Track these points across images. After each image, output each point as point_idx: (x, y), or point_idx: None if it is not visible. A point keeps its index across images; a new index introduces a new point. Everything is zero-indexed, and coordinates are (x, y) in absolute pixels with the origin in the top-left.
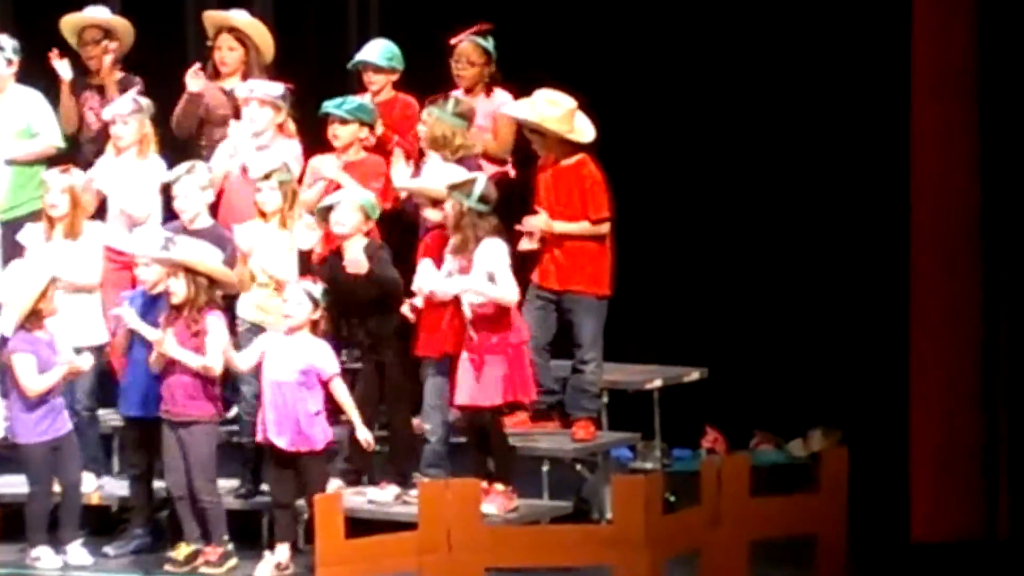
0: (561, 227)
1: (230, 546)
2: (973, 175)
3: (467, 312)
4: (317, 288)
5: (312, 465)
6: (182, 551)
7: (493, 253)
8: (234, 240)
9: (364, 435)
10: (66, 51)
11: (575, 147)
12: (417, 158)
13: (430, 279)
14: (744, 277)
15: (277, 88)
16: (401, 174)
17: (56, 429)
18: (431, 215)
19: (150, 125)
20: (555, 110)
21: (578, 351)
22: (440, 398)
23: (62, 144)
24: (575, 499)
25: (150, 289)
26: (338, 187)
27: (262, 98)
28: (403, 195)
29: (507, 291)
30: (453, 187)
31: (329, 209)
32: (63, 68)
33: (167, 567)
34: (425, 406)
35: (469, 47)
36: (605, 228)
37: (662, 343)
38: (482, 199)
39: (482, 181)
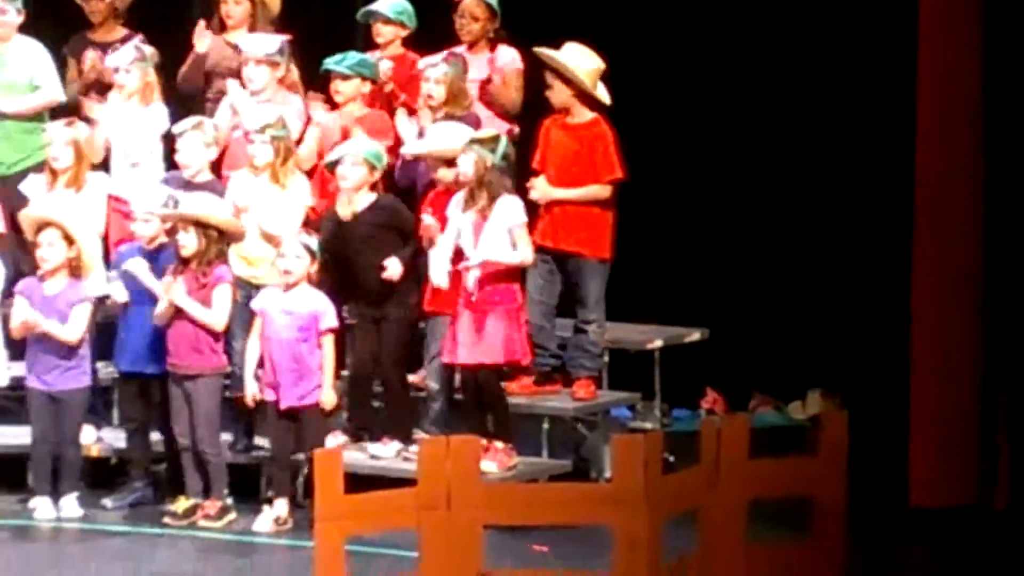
0: (561, 194)
1: (229, 500)
2: (977, 139)
3: (473, 273)
4: (313, 240)
5: (312, 420)
6: (181, 504)
7: (513, 211)
8: (228, 191)
9: (329, 397)
10: (68, 4)
11: (591, 106)
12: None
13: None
14: (746, 238)
15: (272, 44)
16: (407, 131)
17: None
18: (445, 175)
19: (153, 73)
20: (589, 62)
21: (581, 311)
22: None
23: (63, 98)
24: (574, 458)
25: (148, 244)
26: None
27: (258, 57)
28: (408, 158)
29: (525, 253)
30: (477, 141)
31: (336, 164)
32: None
33: (165, 519)
34: (433, 363)
35: (472, 2)
36: (608, 191)
37: (663, 303)
38: (504, 157)
39: (504, 139)
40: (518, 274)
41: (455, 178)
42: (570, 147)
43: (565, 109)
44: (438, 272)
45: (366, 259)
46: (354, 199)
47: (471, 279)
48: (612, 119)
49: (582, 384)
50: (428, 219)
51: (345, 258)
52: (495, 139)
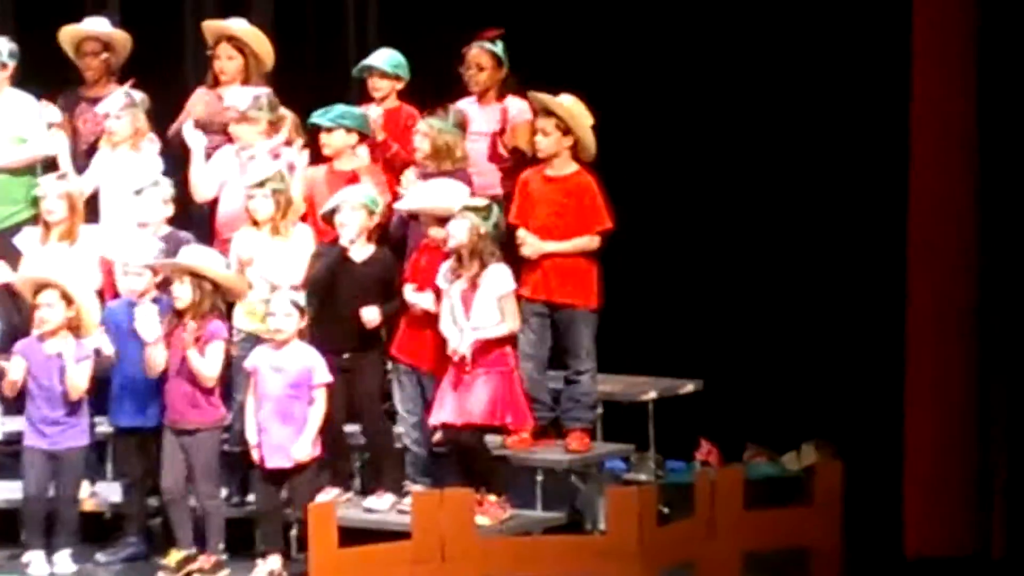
0: (553, 247)
1: (224, 556)
2: (970, 190)
3: (466, 351)
4: (301, 296)
5: (301, 477)
6: (173, 557)
7: (501, 280)
8: (231, 249)
9: (304, 452)
10: (61, 59)
11: (575, 157)
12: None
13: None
14: (739, 290)
15: (243, 100)
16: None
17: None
18: (436, 233)
19: (144, 119)
20: (586, 117)
21: (573, 362)
22: (413, 403)
23: (50, 151)
24: (569, 510)
25: (139, 298)
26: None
27: (232, 116)
28: (403, 213)
29: (512, 323)
30: (470, 209)
31: (333, 213)
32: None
33: (159, 574)
34: (404, 414)
35: (478, 52)
36: (597, 242)
37: (657, 355)
38: (496, 225)
39: (496, 208)
40: (509, 338)
41: (445, 240)
42: (555, 199)
43: (547, 160)
44: (459, 343)
45: (352, 307)
46: (358, 246)
47: (464, 347)
48: (604, 171)
49: (575, 436)
50: (411, 295)
51: (333, 300)
52: (488, 208)
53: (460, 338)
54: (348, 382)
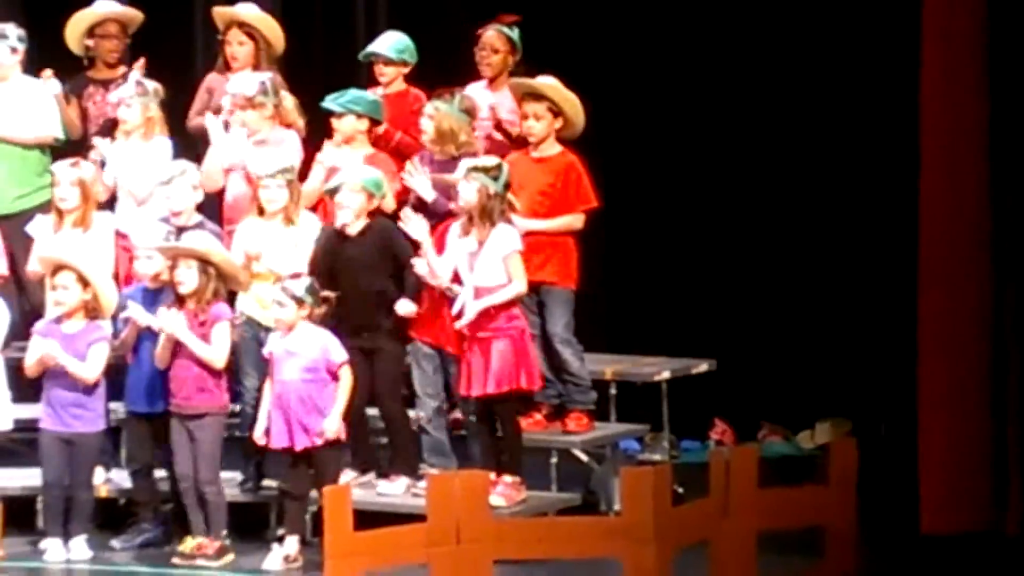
0: (539, 225)
1: (227, 540)
2: (983, 164)
3: (471, 308)
4: (299, 284)
5: (326, 459)
6: (188, 544)
7: (508, 240)
8: (236, 239)
9: (333, 426)
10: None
11: (558, 140)
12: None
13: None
14: (752, 268)
15: (251, 86)
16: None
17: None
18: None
19: (156, 108)
20: (574, 97)
21: (554, 341)
22: (433, 386)
23: (60, 135)
24: (583, 491)
25: (151, 282)
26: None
27: (239, 103)
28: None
29: (520, 285)
30: (478, 169)
31: (335, 191)
32: (52, 85)
33: (174, 560)
34: (423, 396)
35: (493, 35)
36: (582, 221)
37: (670, 335)
38: (507, 185)
39: (506, 167)
40: (517, 299)
41: (457, 204)
42: (542, 180)
43: (536, 143)
44: (466, 316)
45: (357, 283)
46: (353, 225)
47: (470, 308)
48: (616, 148)
49: (573, 417)
50: (419, 266)
51: (336, 281)
52: (498, 167)
53: (472, 303)
54: (369, 363)
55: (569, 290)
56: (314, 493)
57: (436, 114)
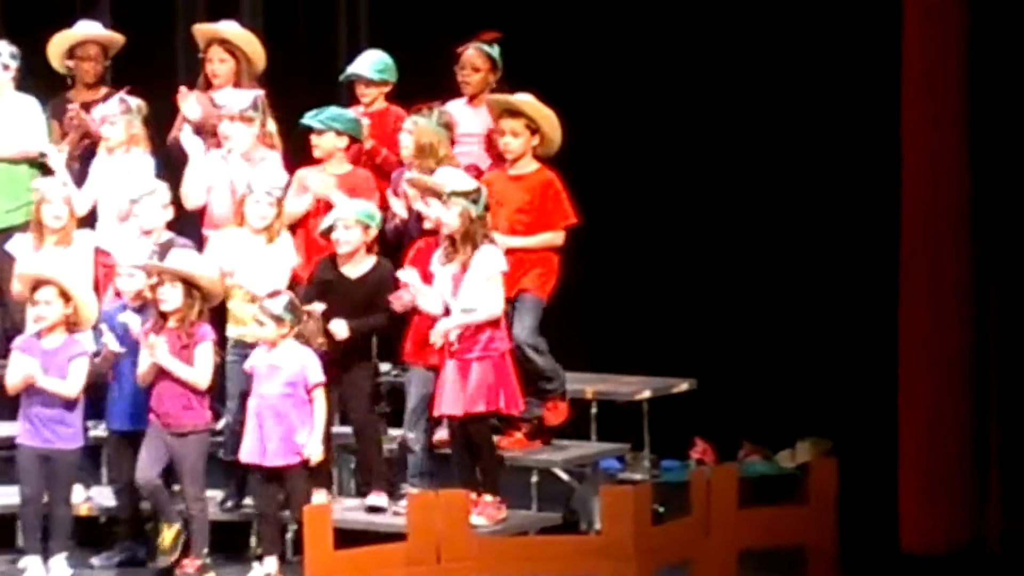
0: (519, 242)
1: (208, 560)
2: (964, 186)
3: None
4: (277, 303)
5: (297, 478)
6: (166, 536)
7: (492, 261)
8: (211, 248)
9: (315, 450)
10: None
11: (535, 156)
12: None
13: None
14: (732, 288)
15: (245, 100)
16: (399, 207)
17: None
18: (423, 209)
19: (140, 125)
20: (551, 113)
21: (519, 346)
22: (422, 409)
23: (44, 150)
24: (564, 510)
25: (133, 299)
26: (328, 204)
27: (232, 114)
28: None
29: (495, 306)
30: (458, 193)
31: (331, 229)
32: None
33: (159, 557)
34: (409, 414)
35: (473, 53)
36: (562, 237)
37: (651, 354)
38: (486, 207)
39: (484, 189)
40: (500, 322)
41: (436, 225)
42: (520, 197)
43: (513, 160)
44: (436, 331)
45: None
46: (355, 261)
47: (451, 336)
48: (595, 167)
49: (550, 407)
50: (408, 275)
51: (326, 313)
52: (477, 190)
53: (444, 320)
54: (335, 384)
55: (538, 297)
56: (287, 513)
57: (415, 128)
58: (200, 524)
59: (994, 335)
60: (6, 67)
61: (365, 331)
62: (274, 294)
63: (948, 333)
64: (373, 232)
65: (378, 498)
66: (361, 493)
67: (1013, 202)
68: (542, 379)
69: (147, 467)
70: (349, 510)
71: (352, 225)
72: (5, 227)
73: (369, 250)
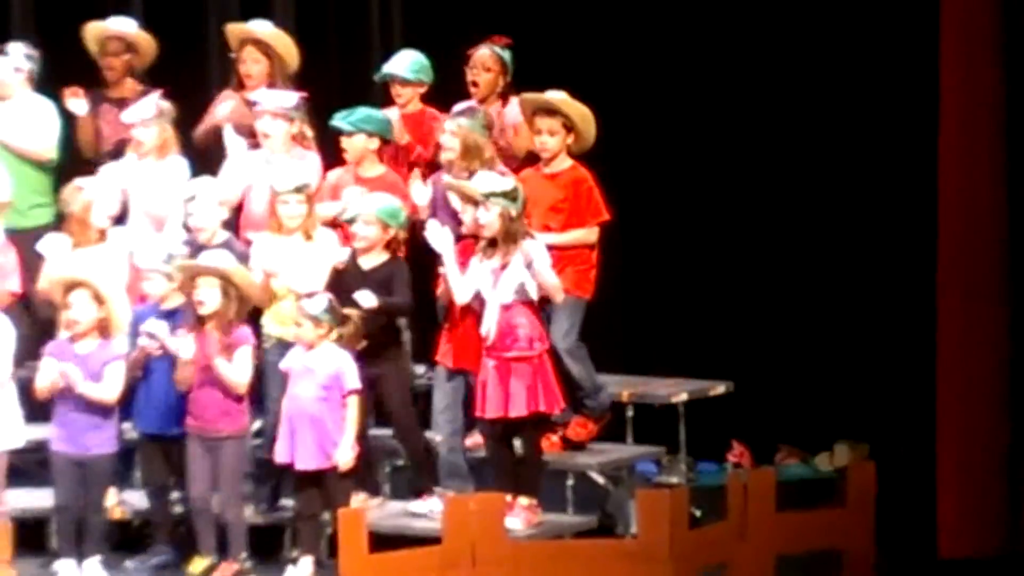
0: (553, 239)
1: (247, 563)
2: (1000, 186)
3: (491, 325)
4: (315, 303)
5: (335, 481)
6: (198, 564)
7: (535, 251)
8: (253, 256)
9: (345, 457)
10: (85, 59)
11: (569, 154)
12: (430, 171)
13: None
14: (770, 291)
15: (290, 99)
16: (420, 192)
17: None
18: (466, 217)
19: (171, 129)
20: (585, 108)
21: (556, 345)
22: (452, 410)
23: (54, 156)
24: (600, 514)
25: (162, 302)
26: None
27: (273, 111)
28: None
29: (554, 278)
30: (496, 195)
31: (352, 221)
32: (77, 105)
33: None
34: (436, 416)
35: (486, 54)
36: (595, 234)
37: (688, 356)
38: (524, 204)
39: (521, 188)
40: (539, 323)
41: (475, 226)
42: (553, 195)
43: (548, 159)
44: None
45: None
46: (371, 255)
47: (489, 321)
48: (632, 169)
49: (578, 422)
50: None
51: (341, 305)
52: (515, 189)
53: (488, 316)
54: (372, 387)
55: (577, 297)
56: (326, 515)
57: (460, 130)
58: (237, 529)
59: None
60: (18, 69)
61: (391, 310)
62: (312, 295)
63: (986, 337)
64: (392, 232)
65: (423, 504)
66: (415, 493)
67: None
68: (578, 390)
69: (196, 483)
70: (391, 515)
71: (372, 221)
72: (34, 226)
73: (387, 247)
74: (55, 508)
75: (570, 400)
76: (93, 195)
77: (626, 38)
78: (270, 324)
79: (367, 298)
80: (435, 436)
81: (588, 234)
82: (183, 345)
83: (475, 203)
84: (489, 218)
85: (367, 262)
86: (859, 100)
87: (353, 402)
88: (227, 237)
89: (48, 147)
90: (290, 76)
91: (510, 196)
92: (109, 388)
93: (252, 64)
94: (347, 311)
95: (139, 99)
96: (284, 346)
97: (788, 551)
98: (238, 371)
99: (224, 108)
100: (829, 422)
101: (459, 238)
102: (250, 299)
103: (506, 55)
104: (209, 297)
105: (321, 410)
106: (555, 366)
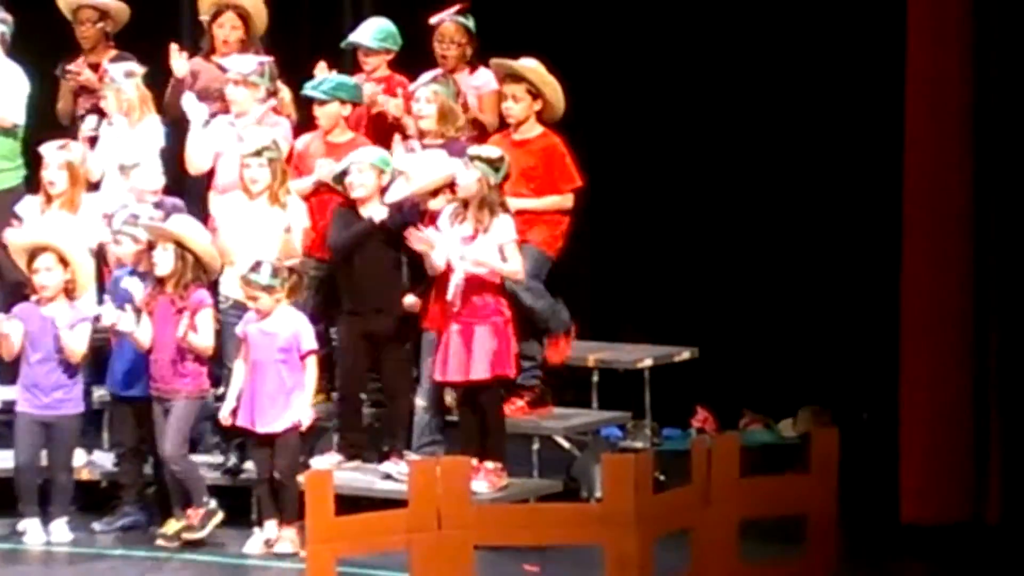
0: (526, 204)
1: (212, 504)
2: (967, 156)
3: (454, 287)
4: (262, 274)
5: (286, 443)
6: (172, 526)
7: (507, 230)
8: (217, 214)
9: (306, 415)
10: (59, 25)
11: (539, 121)
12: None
13: (452, 246)
14: (735, 257)
15: (249, 64)
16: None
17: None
18: (436, 204)
19: (144, 88)
20: (552, 79)
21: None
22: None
23: (19, 122)
24: (565, 478)
25: (133, 264)
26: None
27: (235, 78)
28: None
29: (516, 266)
30: (482, 158)
31: (344, 174)
32: (179, 65)
33: (159, 542)
34: (424, 381)
35: (453, 27)
36: (570, 200)
37: (653, 322)
38: (506, 177)
39: (507, 160)
40: (503, 289)
41: (454, 192)
42: (524, 162)
43: (515, 124)
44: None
45: (372, 270)
46: (370, 207)
47: (453, 286)
48: (597, 136)
49: (552, 343)
50: (420, 234)
51: (351, 260)
52: (501, 159)
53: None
54: (372, 347)
55: (542, 251)
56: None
57: (436, 97)
58: (191, 479)
59: (996, 305)
60: None
61: (398, 224)
62: (255, 266)
63: (950, 303)
64: (386, 178)
65: (395, 465)
66: (382, 456)
67: (1016, 170)
68: (539, 321)
69: (163, 443)
70: (358, 476)
71: (366, 169)
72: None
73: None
74: (15, 468)
75: (534, 334)
76: (47, 163)
77: (597, 4)
78: (229, 287)
79: (378, 210)
80: (419, 402)
81: (563, 200)
82: (123, 319)
83: (434, 194)
84: (468, 180)
85: (375, 213)
86: (827, 69)
87: (312, 362)
88: (158, 198)
89: (16, 112)
90: (259, 37)
91: (494, 164)
92: (77, 347)
93: (231, 31)
94: (288, 263)
95: (113, 61)
96: (241, 307)
97: (752, 515)
98: (202, 335)
99: (179, 67)
100: (793, 388)
101: (425, 213)
102: (208, 263)
103: (470, 23)
104: (164, 260)
105: (281, 372)
106: (511, 305)
